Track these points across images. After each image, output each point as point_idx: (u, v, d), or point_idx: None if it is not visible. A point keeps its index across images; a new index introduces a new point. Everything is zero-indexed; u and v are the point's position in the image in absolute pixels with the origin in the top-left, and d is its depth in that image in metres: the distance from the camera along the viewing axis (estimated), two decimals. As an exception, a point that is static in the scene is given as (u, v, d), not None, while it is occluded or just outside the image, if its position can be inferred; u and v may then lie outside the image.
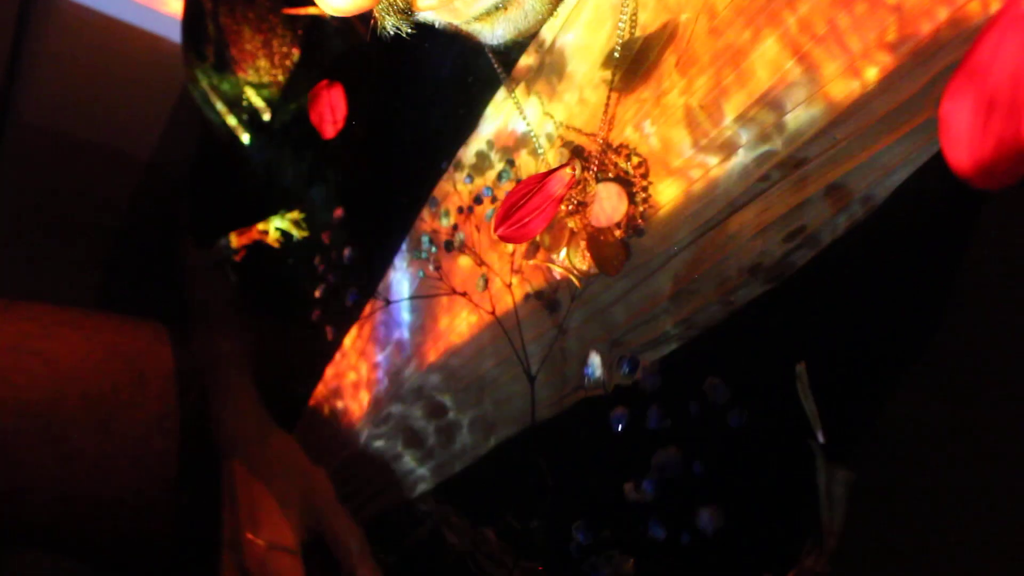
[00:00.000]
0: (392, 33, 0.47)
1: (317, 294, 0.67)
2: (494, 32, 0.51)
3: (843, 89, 0.43)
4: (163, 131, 1.04)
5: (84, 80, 1.06)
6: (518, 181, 0.53)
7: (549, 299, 0.54)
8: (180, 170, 1.00)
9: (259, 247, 0.75)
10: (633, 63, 0.49)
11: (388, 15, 0.46)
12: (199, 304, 0.84)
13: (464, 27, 0.51)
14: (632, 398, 0.51)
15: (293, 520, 0.64)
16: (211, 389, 0.76)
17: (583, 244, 0.51)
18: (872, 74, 0.42)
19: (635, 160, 0.50)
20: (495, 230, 0.48)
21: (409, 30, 0.47)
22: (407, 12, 0.46)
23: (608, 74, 0.50)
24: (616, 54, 0.49)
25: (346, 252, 0.66)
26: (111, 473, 0.73)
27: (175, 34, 1.07)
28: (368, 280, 0.64)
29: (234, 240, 0.76)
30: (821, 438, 0.47)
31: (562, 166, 0.48)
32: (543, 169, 0.52)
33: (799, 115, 0.44)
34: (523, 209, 0.47)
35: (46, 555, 0.80)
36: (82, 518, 0.72)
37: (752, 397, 0.49)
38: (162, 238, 1.00)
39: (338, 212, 0.68)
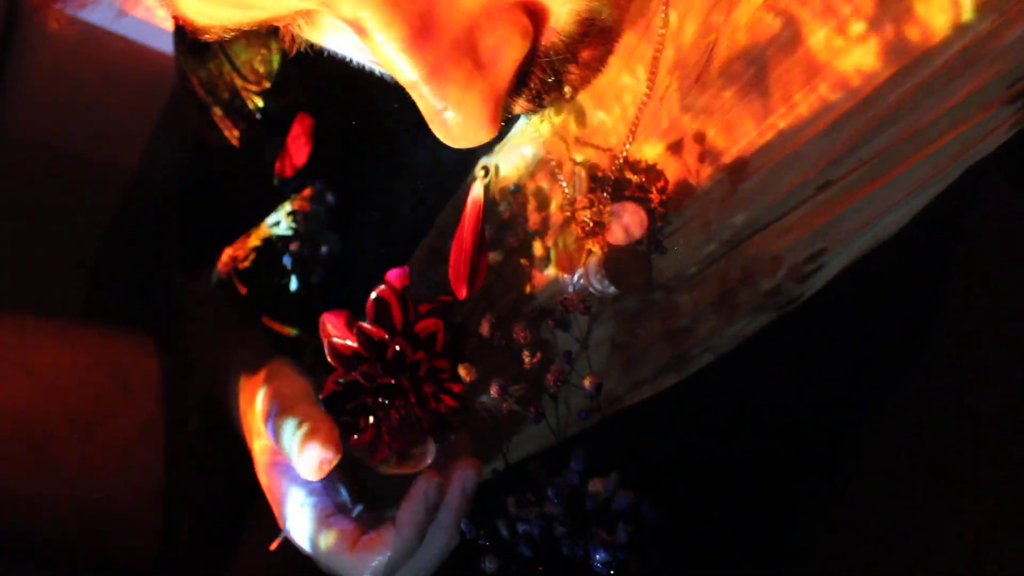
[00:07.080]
0: None
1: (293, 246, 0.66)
2: None
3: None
4: (149, 141, 1.04)
5: (69, 89, 1.05)
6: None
7: (560, 318, 0.51)
8: (167, 180, 1.00)
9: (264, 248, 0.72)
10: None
11: None
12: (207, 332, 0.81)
13: None
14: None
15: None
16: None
17: (600, 262, 0.49)
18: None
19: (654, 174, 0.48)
20: (461, 295, 0.49)
21: None
22: None
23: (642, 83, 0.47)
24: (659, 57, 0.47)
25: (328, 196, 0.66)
26: (95, 484, 0.73)
27: (160, 43, 1.07)
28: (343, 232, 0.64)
29: (240, 247, 0.73)
30: None
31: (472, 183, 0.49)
32: (558, 191, 0.51)
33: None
34: (468, 258, 0.49)
35: (27, 567, 0.79)
36: (65, 529, 0.72)
37: None
38: (148, 248, 1.00)
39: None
